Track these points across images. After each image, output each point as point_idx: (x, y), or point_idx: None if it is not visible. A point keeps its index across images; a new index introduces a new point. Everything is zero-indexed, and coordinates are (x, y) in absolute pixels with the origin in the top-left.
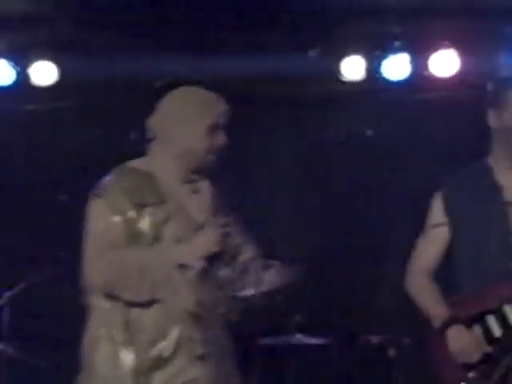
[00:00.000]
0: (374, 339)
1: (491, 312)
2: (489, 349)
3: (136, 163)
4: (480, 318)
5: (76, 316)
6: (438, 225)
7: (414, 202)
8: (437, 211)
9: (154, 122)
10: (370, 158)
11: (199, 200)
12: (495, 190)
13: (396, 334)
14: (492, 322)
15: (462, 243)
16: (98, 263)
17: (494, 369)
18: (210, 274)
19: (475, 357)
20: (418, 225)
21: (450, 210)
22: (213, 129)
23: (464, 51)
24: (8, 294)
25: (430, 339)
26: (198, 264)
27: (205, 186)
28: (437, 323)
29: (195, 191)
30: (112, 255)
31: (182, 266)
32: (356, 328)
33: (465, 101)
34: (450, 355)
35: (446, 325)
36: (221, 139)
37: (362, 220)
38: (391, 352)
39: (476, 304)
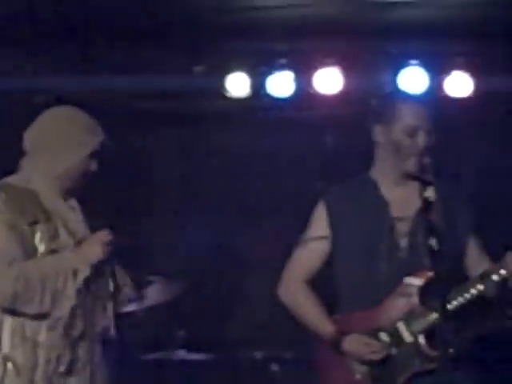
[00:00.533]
0: (257, 354)
1: (384, 330)
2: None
3: (14, 180)
4: (372, 335)
5: None
6: (319, 237)
7: (296, 214)
8: (318, 223)
9: (32, 138)
10: (254, 173)
11: (77, 216)
12: (381, 204)
13: (279, 348)
14: (385, 338)
15: (345, 258)
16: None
17: None
18: (91, 289)
19: (380, 354)
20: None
21: (333, 223)
22: (92, 156)
23: (348, 69)
24: None
25: (317, 351)
26: (87, 270)
27: (75, 203)
28: (328, 336)
29: (71, 208)
30: (16, 269)
31: (75, 272)
32: (239, 343)
33: (349, 118)
34: (340, 365)
35: (341, 336)
36: (95, 165)
37: (245, 235)
38: (274, 367)
39: (367, 321)
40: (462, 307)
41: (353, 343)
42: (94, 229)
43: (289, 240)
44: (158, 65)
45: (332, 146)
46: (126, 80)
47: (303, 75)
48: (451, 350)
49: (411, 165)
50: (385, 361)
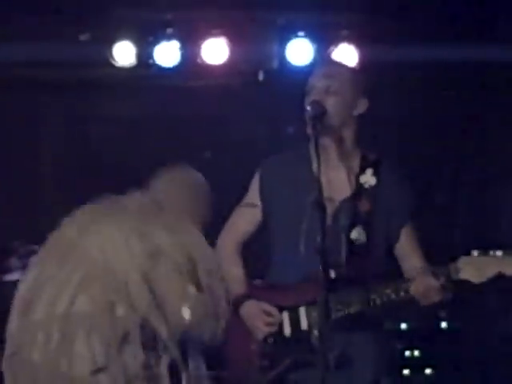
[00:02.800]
0: None
1: (288, 309)
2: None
3: None
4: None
5: None
6: (251, 205)
7: None
8: (252, 191)
9: None
10: (138, 142)
11: None
12: (311, 182)
13: None
14: (286, 319)
15: (274, 230)
16: None
17: (274, 365)
18: None
19: (265, 330)
20: None
21: (264, 194)
22: None
23: (234, 40)
24: None
25: None
26: None
27: None
28: (233, 296)
29: None
30: None
31: None
32: None
33: (235, 88)
34: (242, 332)
35: (240, 301)
36: None
37: None
38: None
39: (277, 296)
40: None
41: (251, 307)
42: None
43: None
44: (44, 32)
45: (216, 116)
46: (11, 48)
47: (190, 45)
48: (335, 353)
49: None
50: (277, 340)
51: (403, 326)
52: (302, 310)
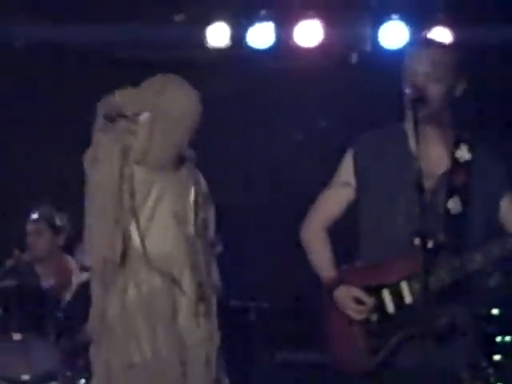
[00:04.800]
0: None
1: (388, 286)
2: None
3: None
4: (375, 290)
5: None
6: (344, 184)
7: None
8: (345, 169)
9: None
10: (233, 124)
11: None
12: (408, 158)
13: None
14: (387, 296)
15: (367, 208)
16: None
17: (382, 345)
18: None
19: (356, 318)
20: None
21: (359, 171)
22: None
23: (328, 22)
24: None
25: (322, 298)
26: None
27: None
28: (325, 281)
29: None
30: None
31: None
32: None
33: (327, 70)
34: (340, 316)
35: (332, 285)
36: None
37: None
38: (251, 316)
39: (374, 275)
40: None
41: (342, 293)
42: None
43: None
44: (140, 14)
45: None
46: (109, 29)
47: (284, 27)
48: (444, 320)
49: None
50: (381, 319)
51: (495, 311)
52: (404, 285)
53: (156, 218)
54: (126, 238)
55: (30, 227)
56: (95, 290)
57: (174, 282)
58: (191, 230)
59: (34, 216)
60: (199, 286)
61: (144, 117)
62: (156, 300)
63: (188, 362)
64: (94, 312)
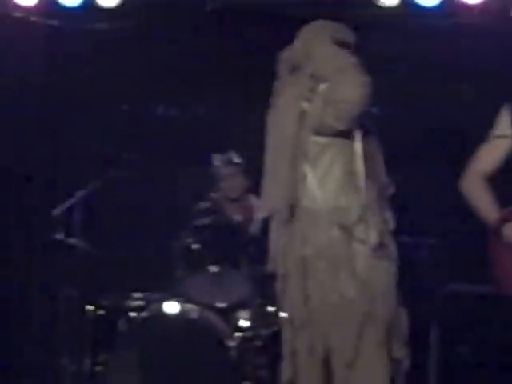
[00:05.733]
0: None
1: None
2: None
3: None
4: None
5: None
6: (502, 136)
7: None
8: (502, 123)
9: None
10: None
11: None
12: None
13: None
14: None
15: None
16: None
17: None
18: None
19: None
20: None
21: None
22: None
23: None
24: (80, 193)
25: (488, 240)
26: None
27: None
28: (491, 222)
29: None
30: None
31: None
32: None
33: (494, 27)
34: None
35: (500, 224)
36: None
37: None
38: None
39: None
40: None
41: (511, 229)
42: None
43: None
44: None
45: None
46: None
47: None
48: None
49: None
50: None
51: None
52: None
53: (330, 176)
54: (299, 192)
55: (224, 171)
56: (273, 232)
57: (351, 232)
58: (362, 184)
59: (226, 161)
60: (377, 233)
61: (321, 88)
62: (335, 249)
63: (372, 300)
64: (274, 253)
